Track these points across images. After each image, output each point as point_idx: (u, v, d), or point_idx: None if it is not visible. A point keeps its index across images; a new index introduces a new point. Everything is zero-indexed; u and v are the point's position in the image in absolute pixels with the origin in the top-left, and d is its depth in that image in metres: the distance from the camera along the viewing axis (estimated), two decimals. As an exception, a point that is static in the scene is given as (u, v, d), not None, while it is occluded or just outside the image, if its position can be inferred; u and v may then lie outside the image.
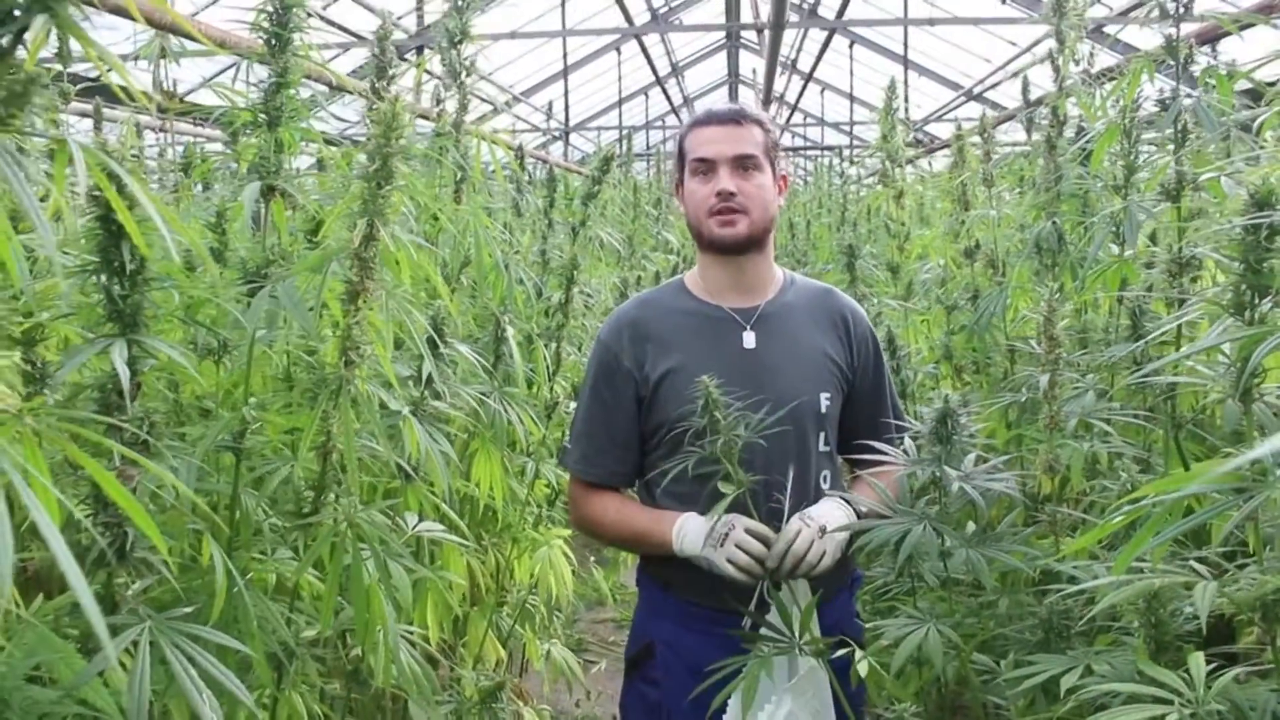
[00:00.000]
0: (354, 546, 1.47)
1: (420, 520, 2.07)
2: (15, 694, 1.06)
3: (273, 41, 1.62)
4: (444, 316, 2.00)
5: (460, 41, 2.56)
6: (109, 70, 0.79)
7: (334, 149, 1.95)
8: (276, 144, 1.56)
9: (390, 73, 1.98)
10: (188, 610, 1.21)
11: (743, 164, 2.00)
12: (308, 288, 1.48)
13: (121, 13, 2.90)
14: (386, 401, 1.62)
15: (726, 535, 1.86)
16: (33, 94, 0.73)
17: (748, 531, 1.85)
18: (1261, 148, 2.07)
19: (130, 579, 1.26)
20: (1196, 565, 1.18)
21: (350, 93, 2.33)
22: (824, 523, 1.88)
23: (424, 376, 1.82)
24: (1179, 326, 1.99)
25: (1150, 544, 1.01)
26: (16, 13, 0.70)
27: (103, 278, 1.17)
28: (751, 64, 19.65)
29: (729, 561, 1.85)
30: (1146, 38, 2.27)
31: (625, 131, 12.61)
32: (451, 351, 1.95)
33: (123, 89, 0.83)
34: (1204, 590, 1.09)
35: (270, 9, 1.61)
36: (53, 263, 0.82)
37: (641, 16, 14.50)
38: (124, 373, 1.07)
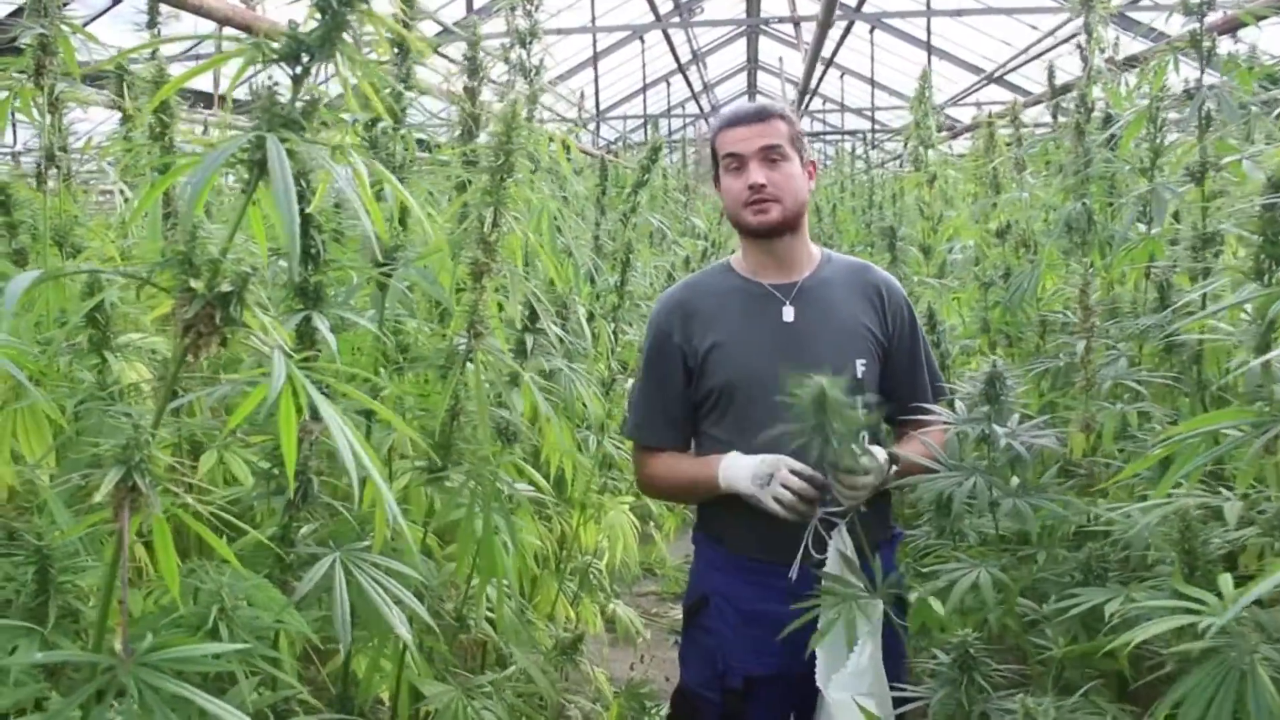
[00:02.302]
0: (485, 503, 1.66)
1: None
2: (237, 611, 1.28)
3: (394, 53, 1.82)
4: (539, 295, 2.20)
5: (529, 42, 2.75)
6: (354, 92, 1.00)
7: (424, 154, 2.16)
8: (404, 144, 1.77)
9: (480, 74, 2.17)
10: (365, 544, 1.41)
11: (770, 155, 2.19)
12: (440, 268, 1.68)
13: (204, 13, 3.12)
14: (499, 368, 1.82)
15: (772, 476, 2.03)
16: (317, 110, 0.94)
17: (793, 472, 2.01)
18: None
19: (304, 520, 1.47)
20: (1225, 491, 1.36)
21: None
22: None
23: (529, 348, 2.02)
24: (1203, 296, 2.16)
25: (1186, 469, 1.20)
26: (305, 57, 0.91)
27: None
28: (773, 50, 19.74)
29: (775, 500, 2.02)
30: (1174, 22, 2.43)
31: (650, 119, 12.86)
32: (544, 327, 2.14)
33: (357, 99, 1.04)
34: (1231, 507, 1.28)
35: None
36: (369, 244, 1.02)
37: (664, 5, 14.72)
38: (329, 337, 1.28)
